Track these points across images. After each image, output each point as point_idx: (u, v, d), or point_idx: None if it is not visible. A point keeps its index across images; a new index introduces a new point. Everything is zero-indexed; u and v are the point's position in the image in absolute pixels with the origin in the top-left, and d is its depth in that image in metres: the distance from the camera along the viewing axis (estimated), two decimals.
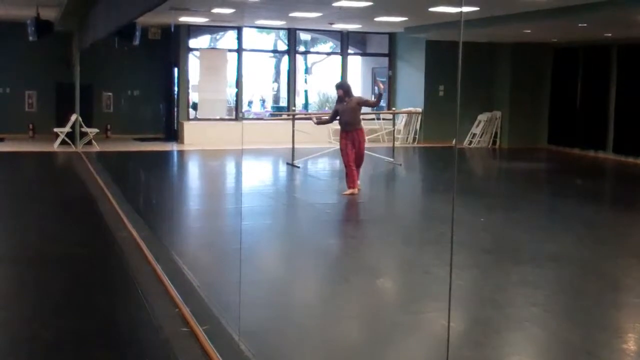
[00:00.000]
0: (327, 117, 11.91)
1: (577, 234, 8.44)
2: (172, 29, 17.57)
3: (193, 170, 15.51)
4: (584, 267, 6.91)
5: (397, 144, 15.87)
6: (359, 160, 10.86)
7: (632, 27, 12.89)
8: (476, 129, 18.36)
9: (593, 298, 5.95)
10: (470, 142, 18.31)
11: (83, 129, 16.28)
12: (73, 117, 16.12)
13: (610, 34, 14.69)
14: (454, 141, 17.42)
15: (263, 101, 21.52)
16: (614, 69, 16.21)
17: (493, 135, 18.43)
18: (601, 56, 16.43)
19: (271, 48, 21.38)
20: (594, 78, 16.71)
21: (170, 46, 18.41)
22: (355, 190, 10.66)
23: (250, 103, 20.62)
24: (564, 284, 6.41)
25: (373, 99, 13.01)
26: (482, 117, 18.34)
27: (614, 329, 5.30)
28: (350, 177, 10.69)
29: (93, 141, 16.34)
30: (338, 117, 11.11)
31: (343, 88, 11.05)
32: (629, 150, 15.79)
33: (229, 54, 18.56)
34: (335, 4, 12.90)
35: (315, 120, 12.36)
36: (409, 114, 18.45)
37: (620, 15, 12.02)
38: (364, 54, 21.06)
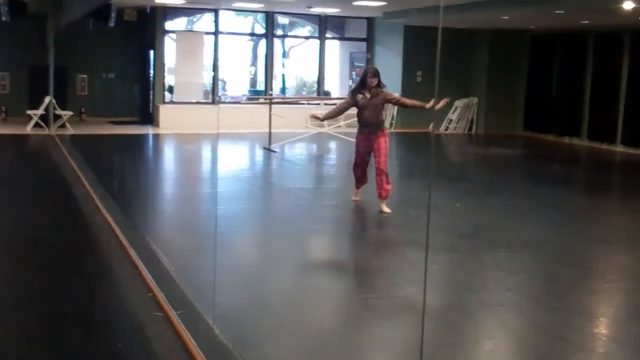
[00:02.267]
0: (332, 110, 8.94)
1: (551, 220, 8.50)
2: (148, 11, 17.39)
3: (168, 154, 15.41)
4: (558, 253, 6.97)
5: None
6: (378, 170, 8.36)
7: (608, 14, 12.95)
8: (453, 115, 18.41)
9: (566, 283, 6.00)
10: (447, 128, 18.37)
11: (57, 112, 16.08)
12: (47, 100, 15.91)
13: (587, 22, 14.76)
14: (430, 126, 17.46)
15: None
16: (590, 57, 16.31)
17: (469, 121, 18.50)
18: (578, 43, 16.52)
19: (249, 31, 21.21)
20: (570, 65, 16.80)
21: (146, 28, 18.22)
22: (358, 198, 8.83)
23: (224, 84, 20.30)
24: (538, 269, 6.45)
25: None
26: (459, 103, 18.38)
27: (586, 313, 5.35)
28: (358, 176, 8.74)
29: (67, 124, 16.15)
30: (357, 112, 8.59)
31: (378, 76, 8.42)
32: (602, 137, 15.95)
33: (206, 36, 18.42)
34: None
35: (319, 116, 9.21)
36: None
37: (596, 2, 12.07)
38: (342, 39, 20.99)
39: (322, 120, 9.40)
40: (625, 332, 5.00)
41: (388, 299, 5.56)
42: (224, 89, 21.00)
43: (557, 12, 13.18)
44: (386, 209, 8.28)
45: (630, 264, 6.80)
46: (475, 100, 18.45)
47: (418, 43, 17.31)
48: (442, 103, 8.89)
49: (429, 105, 8.52)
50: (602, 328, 5.05)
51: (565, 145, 16.63)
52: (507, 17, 14.81)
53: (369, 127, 8.41)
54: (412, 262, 6.36)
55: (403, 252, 7.01)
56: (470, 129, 18.48)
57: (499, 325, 5.04)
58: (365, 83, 8.37)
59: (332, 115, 9.08)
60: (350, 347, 4.58)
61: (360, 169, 8.65)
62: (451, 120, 18.40)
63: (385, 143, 8.39)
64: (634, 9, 11.72)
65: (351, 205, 8.97)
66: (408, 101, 8.67)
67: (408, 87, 18.22)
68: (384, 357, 4.47)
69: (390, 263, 6.72)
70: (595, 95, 16.17)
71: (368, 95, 8.34)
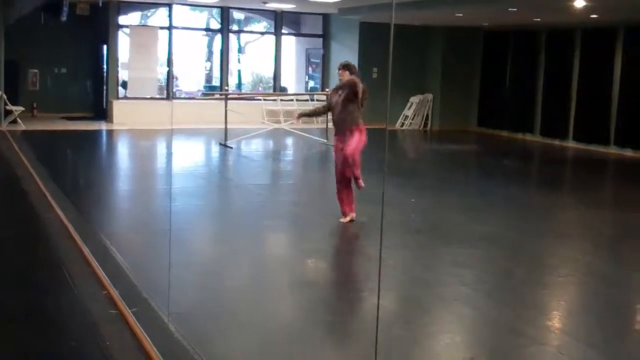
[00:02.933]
0: (314, 109, 8.32)
1: (505, 215, 8.62)
2: (101, 5, 17.11)
3: (122, 150, 15.21)
4: (512, 247, 7.06)
5: (330, 125, 15.88)
6: (343, 167, 7.58)
7: (560, 12, 13.17)
8: (408, 111, 18.54)
9: (520, 277, 6.09)
10: (402, 124, 18.49)
11: (8, 107, 15.75)
12: None
13: (539, 19, 14.98)
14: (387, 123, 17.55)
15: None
16: (542, 54, 16.56)
17: (425, 117, 18.65)
18: (530, 41, 16.76)
19: (204, 26, 21.03)
20: (523, 62, 17.04)
21: (99, 23, 17.94)
22: (353, 216, 7.59)
23: (175, 80, 19.78)
24: (493, 264, 6.53)
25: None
26: (414, 99, 18.52)
27: (539, 307, 5.43)
28: (340, 197, 7.64)
29: (18, 119, 15.83)
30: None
31: (350, 70, 7.45)
32: (554, 133, 16.21)
33: (160, 31, 18.22)
34: None
35: (296, 117, 8.59)
36: None
37: (548, 0, 12.27)
38: (298, 35, 20.96)
39: (300, 116, 8.48)
40: (578, 325, 5.10)
41: (345, 294, 5.57)
42: (175, 84, 20.77)
43: (510, 9, 13.36)
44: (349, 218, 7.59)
45: (582, 258, 6.92)
46: (430, 96, 18.60)
47: (374, 39, 17.37)
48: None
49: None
50: (555, 321, 5.13)
51: (518, 141, 16.87)
52: (461, 14, 14.95)
53: (338, 127, 7.57)
54: (369, 257, 6.39)
55: (360, 247, 7.04)
56: (425, 125, 18.62)
57: (454, 319, 5.09)
58: (339, 79, 7.45)
59: (314, 113, 8.51)
60: (306, 343, 4.57)
61: (343, 183, 7.58)
62: (407, 117, 18.53)
63: (356, 139, 7.41)
64: (585, 7, 11.94)
65: (308, 201, 8.95)
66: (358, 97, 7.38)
67: (364, 84, 18.29)
68: (339, 352, 4.48)
69: (346, 258, 6.73)
70: (547, 91, 16.43)
71: (339, 93, 7.43)
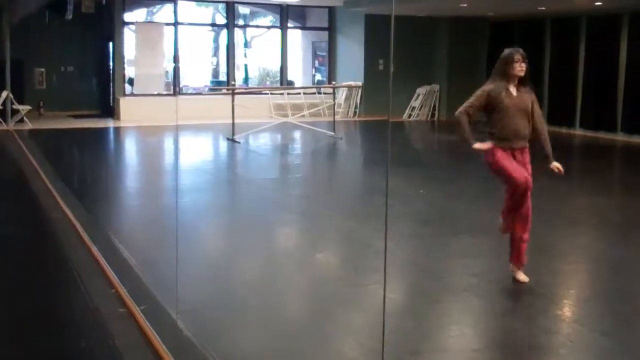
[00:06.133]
0: (465, 123, 5.52)
1: None
2: (105, 2, 17.14)
3: (130, 147, 15.23)
4: None
5: (337, 117, 15.88)
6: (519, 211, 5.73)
7: (565, 0, 13.09)
8: (415, 102, 18.49)
9: (530, 265, 6.04)
10: (410, 116, 18.44)
11: (14, 106, 15.79)
12: (4, 94, 15.61)
13: (544, 8, 14.90)
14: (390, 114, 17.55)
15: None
16: (547, 42, 16.49)
17: (432, 108, 18.60)
18: (535, 29, 16.68)
19: (209, 22, 21.02)
20: (528, 51, 16.72)
21: (104, 20, 17.96)
22: (522, 276, 5.48)
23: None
24: (502, 253, 6.49)
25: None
26: (421, 91, 18.46)
27: (549, 295, 5.40)
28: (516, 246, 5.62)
29: (25, 118, 15.88)
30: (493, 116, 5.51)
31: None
32: (561, 120, 16.14)
33: (165, 28, 18.22)
34: None
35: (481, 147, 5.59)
36: (349, 88, 18.45)
37: None
38: (303, 28, 20.93)
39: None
40: (588, 313, 5.06)
41: (354, 287, 5.55)
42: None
43: None
44: (523, 277, 5.50)
45: (591, 245, 6.90)
46: (437, 87, 18.54)
47: (379, 31, 17.29)
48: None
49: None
50: (565, 310, 5.11)
51: None
52: (465, 5, 14.89)
53: (519, 142, 5.58)
54: (378, 250, 6.36)
55: (369, 240, 7.01)
56: (432, 116, 18.58)
57: (464, 310, 5.07)
58: (508, 73, 5.58)
59: (468, 118, 5.52)
60: (317, 338, 4.56)
61: (522, 205, 5.79)
62: (414, 108, 18.48)
63: (528, 163, 5.71)
64: None
65: (317, 195, 8.90)
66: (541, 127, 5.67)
67: (370, 76, 18.26)
68: (348, 345, 4.47)
69: (354, 250, 6.70)
70: (553, 80, 16.36)
71: (514, 92, 5.53)
